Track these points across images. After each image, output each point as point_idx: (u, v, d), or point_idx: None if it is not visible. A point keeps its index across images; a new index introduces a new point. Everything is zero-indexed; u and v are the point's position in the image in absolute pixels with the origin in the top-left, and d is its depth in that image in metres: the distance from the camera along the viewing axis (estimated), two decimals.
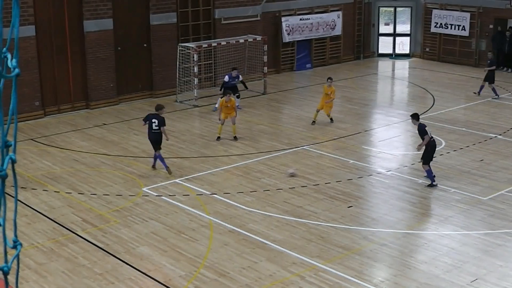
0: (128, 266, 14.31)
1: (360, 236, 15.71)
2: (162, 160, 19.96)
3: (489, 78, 29.16)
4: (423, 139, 18.70)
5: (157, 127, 20.03)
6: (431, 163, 18.73)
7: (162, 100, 28.76)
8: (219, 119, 23.13)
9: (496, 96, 28.98)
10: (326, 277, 13.72)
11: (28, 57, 25.17)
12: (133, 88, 28.78)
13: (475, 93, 29.50)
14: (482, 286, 13.37)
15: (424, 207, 17.52)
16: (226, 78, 26.73)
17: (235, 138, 23.16)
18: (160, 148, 20.10)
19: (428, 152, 18.72)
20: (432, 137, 18.80)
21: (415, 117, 19.37)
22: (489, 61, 29.57)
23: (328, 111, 24.90)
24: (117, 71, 28.06)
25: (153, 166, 20.35)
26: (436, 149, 19.17)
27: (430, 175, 18.72)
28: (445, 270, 14.00)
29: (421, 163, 18.88)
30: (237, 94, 26.91)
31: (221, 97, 24.27)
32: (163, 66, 29.29)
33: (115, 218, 16.79)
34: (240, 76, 27.43)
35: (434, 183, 18.68)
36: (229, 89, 26.52)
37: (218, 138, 23.13)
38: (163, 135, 20.04)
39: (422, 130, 18.77)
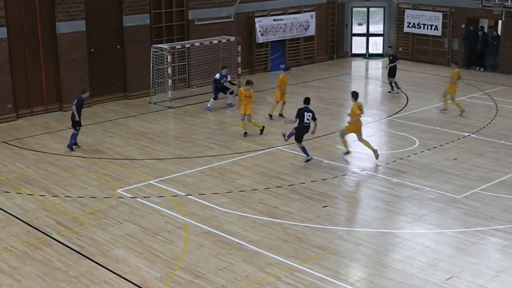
0: (103, 268, 14.22)
1: (336, 236, 15.75)
2: (72, 137, 22.24)
3: (392, 73, 30.15)
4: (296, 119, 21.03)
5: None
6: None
7: (136, 101, 28.73)
8: (241, 113, 23.81)
9: (392, 91, 30.25)
10: (302, 277, 13.74)
11: (0, 59, 24.95)
12: (106, 90, 28.63)
13: (397, 93, 30.16)
14: (457, 283, 13.46)
15: (398, 206, 17.59)
16: (218, 76, 27.16)
17: (246, 134, 23.81)
18: (76, 130, 22.17)
19: (297, 133, 20.96)
20: (306, 123, 20.82)
21: (305, 101, 21.34)
22: (391, 57, 30.56)
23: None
24: (90, 73, 27.90)
25: (69, 146, 22.23)
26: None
27: (304, 151, 20.88)
28: (420, 269, 14.08)
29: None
30: (230, 91, 27.25)
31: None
32: (136, 68, 29.16)
33: (89, 220, 16.69)
34: (229, 76, 27.74)
35: (308, 157, 20.85)
36: (220, 89, 26.94)
37: (245, 134, 23.68)
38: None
39: (299, 113, 20.91)
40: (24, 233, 16.01)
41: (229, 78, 27.69)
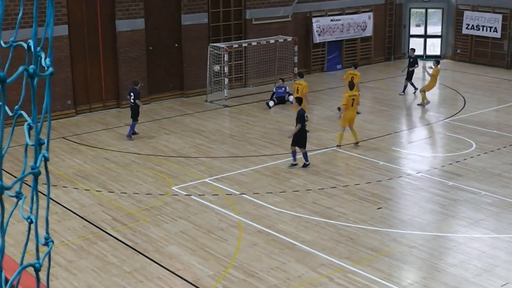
0: (157, 265, 14.38)
1: (390, 238, 15.65)
2: (131, 128, 23.27)
3: (410, 76, 29.99)
4: (296, 125, 20.06)
5: (133, 100, 23.15)
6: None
7: (193, 99, 28.94)
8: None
9: (403, 93, 30.11)
10: (355, 279, 13.69)
11: (61, 56, 25.40)
12: (163, 88, 28.92)
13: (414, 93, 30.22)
14: None
15: (454, 209, 17.39)
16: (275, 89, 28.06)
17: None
18: (136, 120, 23.24)
19: (297, 137, 20.06)
20: (305, 124, 20.31)
21: (298, 101, 20.65)
22: (411, 59, 30.27)
23: None
24: (148, 70, 28.23)
25: (128, 136, 23.22)
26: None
27: (293, 156, 20.39)
28: (475, 274, 13.89)
29: (291, 144, 20.38)
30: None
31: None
32: (193, 66, 29.39)
33: (144, 216, 16.89)
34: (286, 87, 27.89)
35: (294, 162, 20.36)
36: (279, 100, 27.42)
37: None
38: (139, 106, 23.22)
39: (301, 116, 20.01)
40: (80, 227, 16.29)
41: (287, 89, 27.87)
